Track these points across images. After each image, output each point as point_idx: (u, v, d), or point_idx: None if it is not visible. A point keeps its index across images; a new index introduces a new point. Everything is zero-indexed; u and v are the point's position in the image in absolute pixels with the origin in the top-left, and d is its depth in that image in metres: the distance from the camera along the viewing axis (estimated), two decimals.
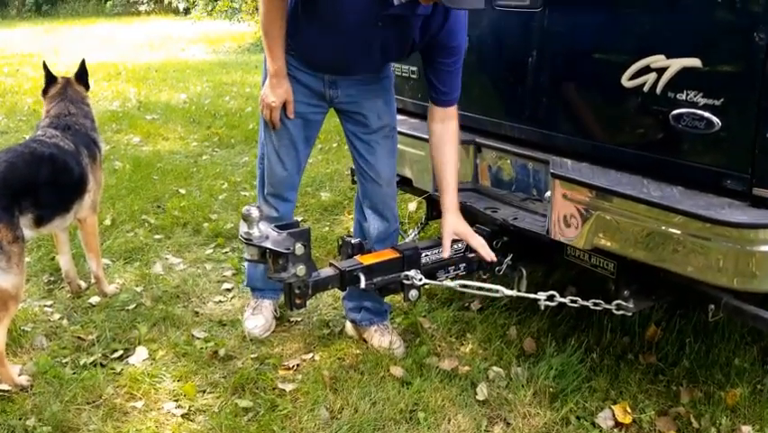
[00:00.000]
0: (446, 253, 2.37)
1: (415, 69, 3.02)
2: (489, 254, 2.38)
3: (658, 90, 2.03)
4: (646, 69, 2.05)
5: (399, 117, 3.11)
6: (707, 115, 1.93)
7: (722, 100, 1.90)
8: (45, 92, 3.12)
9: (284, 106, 2.48)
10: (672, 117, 2.00)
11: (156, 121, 6.66)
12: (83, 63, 3.23)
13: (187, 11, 14.02)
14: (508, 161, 2.67)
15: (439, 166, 2.47)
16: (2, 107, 7.18)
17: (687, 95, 1.96)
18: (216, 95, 8.05)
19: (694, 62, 1.94)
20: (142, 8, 19.71)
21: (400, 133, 2.94)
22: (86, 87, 3.22)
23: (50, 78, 3.13)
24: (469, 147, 2.79)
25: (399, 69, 3.07)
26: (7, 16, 20.16)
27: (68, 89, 3.12)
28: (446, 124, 2.45)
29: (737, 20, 1.87)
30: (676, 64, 1.98)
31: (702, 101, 1.93)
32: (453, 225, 2.40)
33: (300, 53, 2.44)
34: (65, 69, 9.27)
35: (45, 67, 3.18)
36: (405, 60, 2.99)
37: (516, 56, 2.56)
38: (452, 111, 2.45)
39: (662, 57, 2.01)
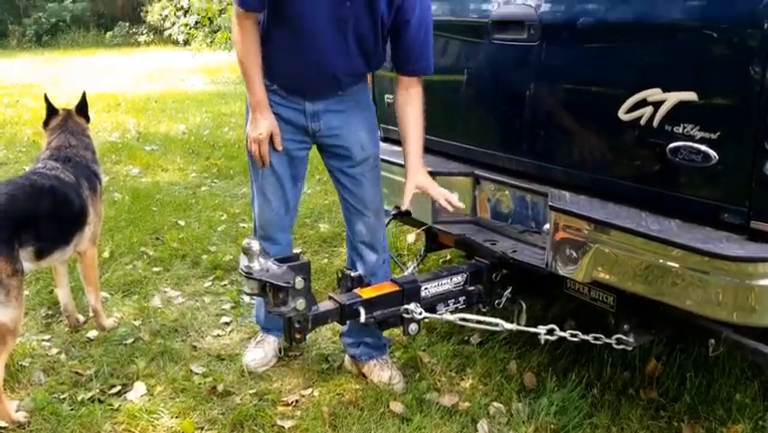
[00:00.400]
0: (406, 204, 2.46)
1: None
2: (452, 201, 2.45)
3: (655, 123, 2.04)
4: (643, 103, 2.07)
5: (396, 148, 3.14)
6: (703, 148, 1.94)
7: (718, 134, 1.91)
8: (46, 124, 3.14)
9: (271, 140, 2.48)
10: (669, 150, 2.02)
11: (155, 152, 6.69)
12: (84, 96, 3.26)
13: (186, 42, 14.14)
14: (507, 194, 2.68)
15: (403, 128, 2.54)
16: (1, 138, 7.22)
17: (684, 128, 1.98)
18: (215, 125, 8.09)
19: (690, 96, 1.96)
20: (142, 39, 19.89)
21: (398, 164, 2.96)
22: (87, 119, 3.24)
23: (51, 110, 3.15)
24: (467, 179, 2.80)
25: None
26: (7, 47, 20.31)
27: (69, 121, 3.14)
28: (410, 90, 2.51)
29: (732, 54, 1.89)
30: (672, 98, 1.99)
31: (699, 134, 1.95)
32: (416, 179, 2.48)
33: (280, 77, 2.44)
34: (65, 99, 9.34)
35: (46, 99, 3.21)
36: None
37: (514, 89, 2.57)
38: (417, 79, 2.51)
39: (658, 90, 2.03)
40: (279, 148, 2.50)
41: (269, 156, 2.51)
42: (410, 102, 2.51)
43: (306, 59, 2.37)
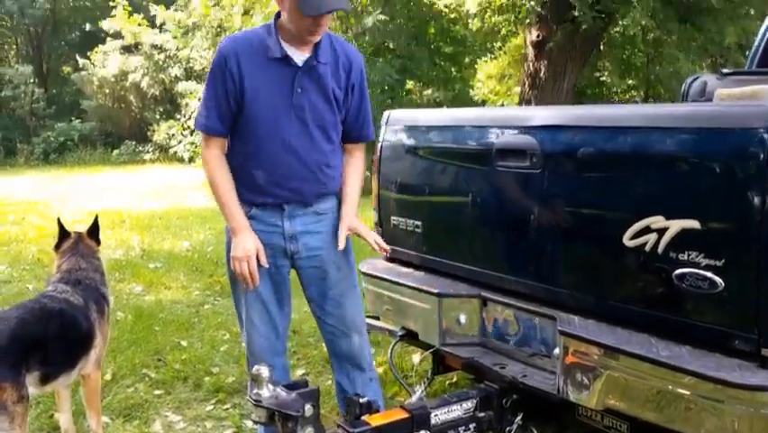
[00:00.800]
0: (341, 245, 2.57)
1: (419, 223, 3.10)
2: (379, 243, 2.61)
3: (660, 250, 2.09)
4: (647, 230, 2.12)
5: (404, 270, 3.18)
6: (709, 275, 1.98)
7: (723, 261, 1.95)
8: (58, 247, 3.20)
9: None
10: (675, 277, 2.05)
11: (159, 269, 6.72)
12: (96, 220, 3.32)
13: (191, 159, 14.52)
14: (515, 316, 2.69)
15: (343, 183, 2.67)
16: (6, 256, 7.26)
17: (688, 255, 2.02)
18: (219, 242, 8.14)
19: (693, 224, 2.01)
20: (148, 157, 20.39)
21: (406, 286, 2.99)
22: (98, 241, 3.30)
23: (63, 234, 3.21)
24: (475, 301, 2.82)
25: (404, 223, 3.16)
26: (15, 164, 20.76)
27: (80, 244, 3.20)
28: (354, 153, 2.71)
29: (732, 181, 1.96)
30: (675, 225, 2.05)
31: (704, 261, 1.99)
32: (349, 222, 2.60)
33: (255, 192, 2.53)
34: (71, 216, 9.49)
35: (59, 223, 3.27)
36: (407, 214, 3.11)
37: (519, 214, 2.64)
38: (361, 145, 2.73)
39: (661, 218, 2.09)
40: (266, 265, 2.53)
41: (256, 293, 2.57)
42: (353, 163, 2.71)
43: (277, 159, 2.49)
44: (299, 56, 2.45)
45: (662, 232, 2.08)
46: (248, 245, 2.48)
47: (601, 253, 2.35)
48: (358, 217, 2.66)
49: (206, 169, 2.54)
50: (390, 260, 3.27)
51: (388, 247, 2.68)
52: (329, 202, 2.64)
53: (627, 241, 2.17)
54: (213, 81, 2.47)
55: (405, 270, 3.17)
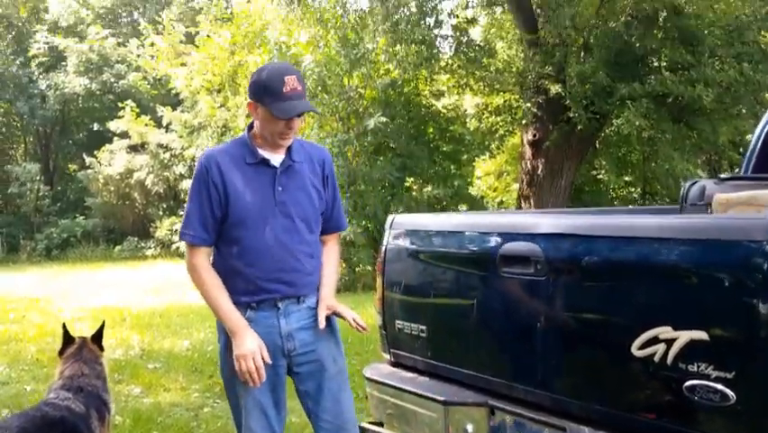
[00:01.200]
0: (322, 324, 2.62)
1: (424, 327, 3.09)
2: (358, 321, 2.65)
3: (669, 361, 2.07)
4: (655, 340, 2.12)
5: (408, 374, 3.14)
6: (720, 387, 1.96)
7: (733, 373, 1.94)
8: (62, 353, 3.19)
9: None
10: (685, 388, 2.03)
11: (158, 370, 6.64)
12: (102, 325, 3.32)
13: None
14: (523, 426, 2.64)
15: (323, 268, 2.77)
16: (5, 356, 7.18)
17: (698, 366, 2.01)
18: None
19: (701, 335, 2.01)
20: (149, 252, 20.46)
21: (411, 392, 2.95)
22: (101, 348, 3.29)
23: (68, 339, 3.21)
24: (482, 409, 2.77)
25: (409, 327, 3.15)
26: (18, 261, 20.81)
27: (84, 350, 3.21)
28: (329, 244, 2.85)
29: (738, 292, 1.96)
30: (684, 336, 2.04)
31: (714, 373, 1.97)
32: (328, 302, 2.68)
33: (249, 290, 2.59)
34: (70, 314, 9.44)
35: (64, 328, 3.28)
36: (411, 318, 3.10)
37: (525, 320, 2.64)
38: (336, 234, 2.90)
39: (668, 328, 2.09)
40: (269, 361, 2.54)
41: (252, 397, 2.58)
42: (329, 250, 2.84)
43: (267, 254, 2.58)
44: (276, 158, 2.64)
45: (670, 342, 2.07)
46: (251, 343, 2.51)
47: (610, 363, 2.33)
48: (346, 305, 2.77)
49: (195, 276, 2.62)
50: (395, 364, 3.25)
51: (366, 325, 2.70)
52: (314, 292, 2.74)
53: (636, 351, 2.16)
54: (197, 192, 2.60)
55: (409, 375, 3.13)
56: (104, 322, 3.39)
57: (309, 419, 2.78)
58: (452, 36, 11.82)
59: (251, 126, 2.67)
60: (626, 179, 15.35)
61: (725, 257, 2.00)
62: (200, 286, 2.60)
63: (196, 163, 2.61)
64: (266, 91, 2.50)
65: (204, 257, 2.61)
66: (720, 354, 1.98)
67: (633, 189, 16.00)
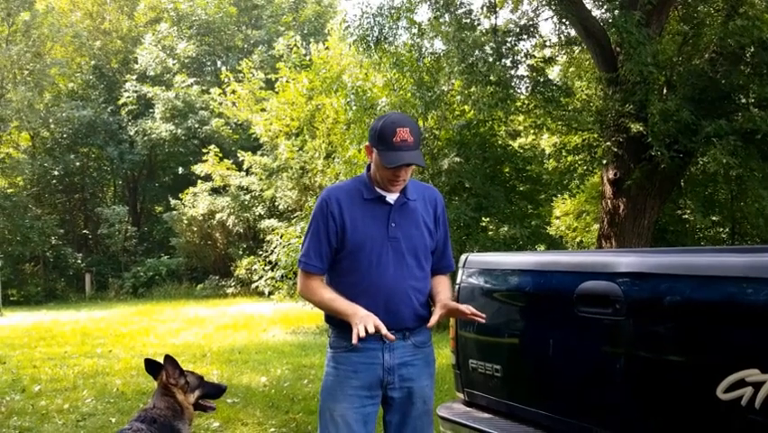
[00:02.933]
0: (432, 322, 2.66)
1: (498, 367, 3.05)
2: (475, 312, 2.63)
3: (757, 405, 1.98)
4: (742, 383, 2.03)
5: (483, 415, 3.10)
6: None
7: None
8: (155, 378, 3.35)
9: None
10: None
11: (236, 405, 6.74)
12: (166, 359, 3.41)
13: (270, 294, 14.88)
14: None
15: (436, 286, 2.83)
16: (92, 389, 7.45)
17: None
18: (296, 377, 8.16)
19: None
20: (230, 291, 20.98)
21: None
22: (173, 378, 3.37)
23: (157, 368, 3.35)
24: None
25: (483, 367, 3.12)
26: (106, 298, 21.75)
27: (159, 384, 3.32)
28: (440, 278, 2.89)
29: None
30: None
31: None
32: (446, 303, 2.71)
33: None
34: (152, 350, 9.74)
35: (147, 362, 3.39)
36: (486, 357, 3.07)
37: (603, 362, 2.57)
38: (446, 275, 2.92)
39: (756, 371, 2.00)
40: (392, 338, 2.58)
41: (346, 425, 2.66)
42: (442, 279, 2.89)
43: (378, 286, 2.68)
44: (391, 196, 2.75)
45: (758, 386, 1.98)
46: (364, 312, 2.59)
47: (692, 407, 2.24)
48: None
49: (309, 294, 2.79)
50: (469, 404, 3.21)
51: (483, 315, 2.69)
52: (424, 335, 2.79)
53: (721, 394, 2.08)
54: (315, 224, 2.76)
55: (484, 415, 3.09)
56: (166, 355, 3.46)
57: None
58: (528, 76, 11.78)
59: (369, 166, 2.80)
60: (714, 218, 14.75)
61: None
62: (314, 297, 2.76)
63: (316, 199, 2.82)
64: (379, 139, 2.65)
65: (318, 282, 2.76)
66: None
67: (721, 230, 15.36)
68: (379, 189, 2.75)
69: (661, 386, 2.36)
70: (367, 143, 2.78)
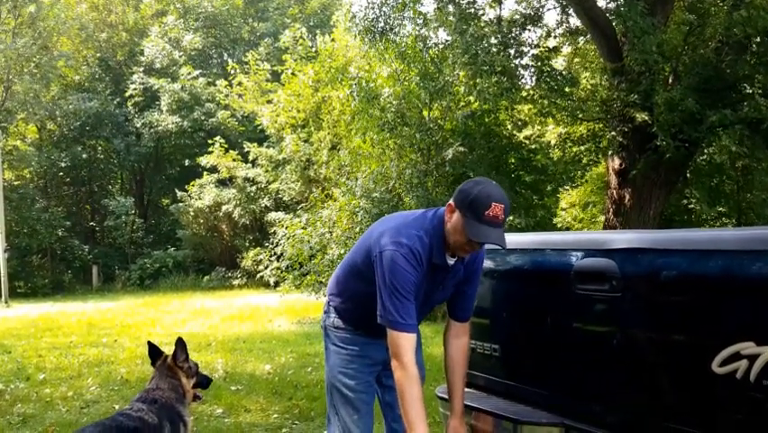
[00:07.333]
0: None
1: (497, 346, 3.06)
2: None
3: (751, 378, 1.98)
4: (737, 356, 2.02)
5: (477, 393, 3.10)
6: None
7: None
8: (153, 364, 3.36)
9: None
10: None
11: (240, 392, 6.77)
12: (177, 341, 3.43)
13: (276, 284, 14.92)
14: None
15: (451, 373, 2.89)
16: (97, 376, 7.50)
17: None
18: (299, 366, 8.19)
19: None
20: (236, 282, 21.05)
21: (484, 412, 2.92)
22: (179, 362, 3.40)
23: (157, 353, 3.36)
24: (556, 430, 2.70)
25: (482, 347, 3.12)
26: (113, 289, 21.85)
27: (163, 365, 3.33)
28: (460, 339, 2.91)
29: None
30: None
31: None
32: (458, 421, 2.80)
33: (371, 333, 2.82)
34: (158, 339, 9.78)
35: (150, 345, 3.41)
36: (484, 337, 3.08)
37: (601, 338, 2.58)
38: (466, 326, 2.93)
39: (751, 344, 1.99)
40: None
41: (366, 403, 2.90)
42: (461, 354, 2.90)
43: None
44: (451, 260, 2.75)
45: (753, 358, 1.98)
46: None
47: (689, 381, 2.24)
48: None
49: (405, 378, 2.58)
50: (468, 384, 3.21)
51: None
52: None
53: (716, 368, 2.07)
54: (404, 276, 2.61)
55: (483, 395, 3.09)
56: (179, 338, 3.49)
57: (386, 426, 3.05)
58: (533, 66, 11.73)
59: (442, 221, 2.69)
60: (720, 209, 14.71)
61: None
62: (405, 388, 2.59)
63: (398, 248, 2.62)
64: (470, 206, 2.54)
65: (412, 350, 2.63)
66: None
67: (727, 221, 15.30)
68: (447, 254, 2.71)
69: (657, 362, 2.36)
70: (451, 202, 2.64)
